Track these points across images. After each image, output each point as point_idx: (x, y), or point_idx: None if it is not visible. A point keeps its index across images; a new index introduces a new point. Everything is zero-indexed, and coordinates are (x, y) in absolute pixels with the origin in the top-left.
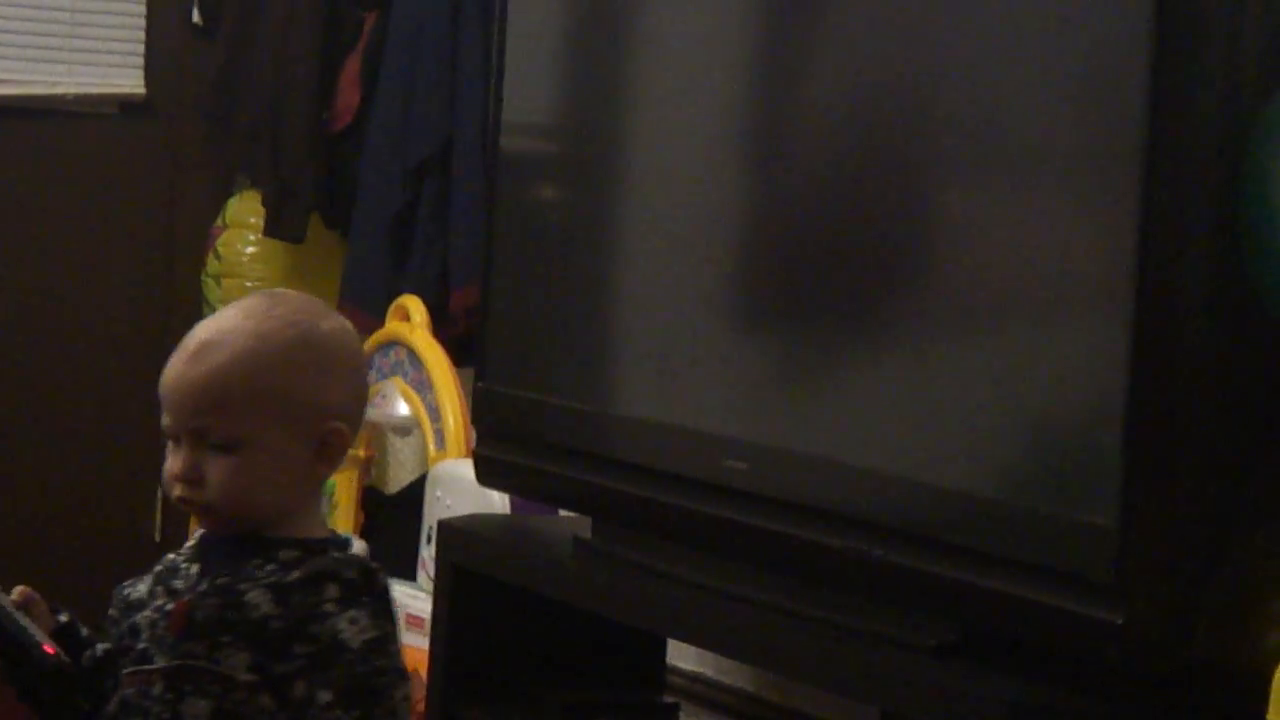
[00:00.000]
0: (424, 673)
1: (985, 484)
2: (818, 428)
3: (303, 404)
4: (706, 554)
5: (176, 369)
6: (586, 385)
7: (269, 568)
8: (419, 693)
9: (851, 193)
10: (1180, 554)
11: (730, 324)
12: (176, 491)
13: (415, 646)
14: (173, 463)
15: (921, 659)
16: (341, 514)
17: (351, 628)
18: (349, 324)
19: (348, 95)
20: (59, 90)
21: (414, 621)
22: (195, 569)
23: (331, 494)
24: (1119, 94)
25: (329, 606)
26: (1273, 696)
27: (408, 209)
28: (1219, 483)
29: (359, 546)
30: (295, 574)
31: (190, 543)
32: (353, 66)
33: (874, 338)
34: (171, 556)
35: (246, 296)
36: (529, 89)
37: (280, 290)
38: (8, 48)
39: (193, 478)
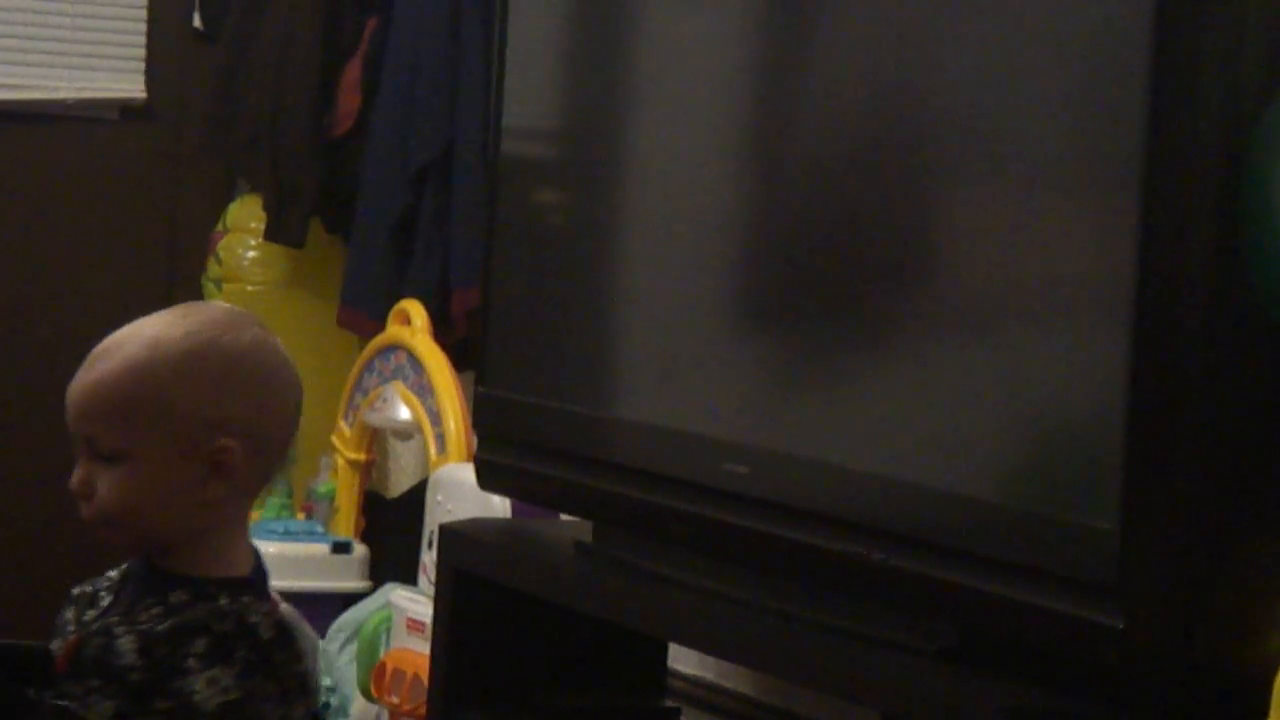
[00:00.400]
0: (425, 677)
1: (986, 488)
2: (819, 432)
3: (188, 418)
4: (708, 558)
5: (76, 376)
6: (587, 389)
7: (154, 610)
8: (419, 696)
9: (853, 197)
10: (1181, 557)
11: (731, 328)
12: (80, 509)
13: (416, 651)
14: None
15: (922, 663)
16: (343, 518)
17: (209, 689)
18: (272, 340)
19: (348, 100)
20: (59, 95)
21: (415, 626)
22: (109, 600)
23: (333, 498)
24: (1119, 97)
25: (191, 663)
26: (1274, 701)
27: (409, 213)
28: (1220, 486)
29: (359, 551)
30: (166, 623)
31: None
32: (353, 71)
33: (875, 342)
34: (105, 578)
35: (171, 307)
36: (529, 93)
37: (205, 302)
38: (8, 52)
39: (83, 492)
